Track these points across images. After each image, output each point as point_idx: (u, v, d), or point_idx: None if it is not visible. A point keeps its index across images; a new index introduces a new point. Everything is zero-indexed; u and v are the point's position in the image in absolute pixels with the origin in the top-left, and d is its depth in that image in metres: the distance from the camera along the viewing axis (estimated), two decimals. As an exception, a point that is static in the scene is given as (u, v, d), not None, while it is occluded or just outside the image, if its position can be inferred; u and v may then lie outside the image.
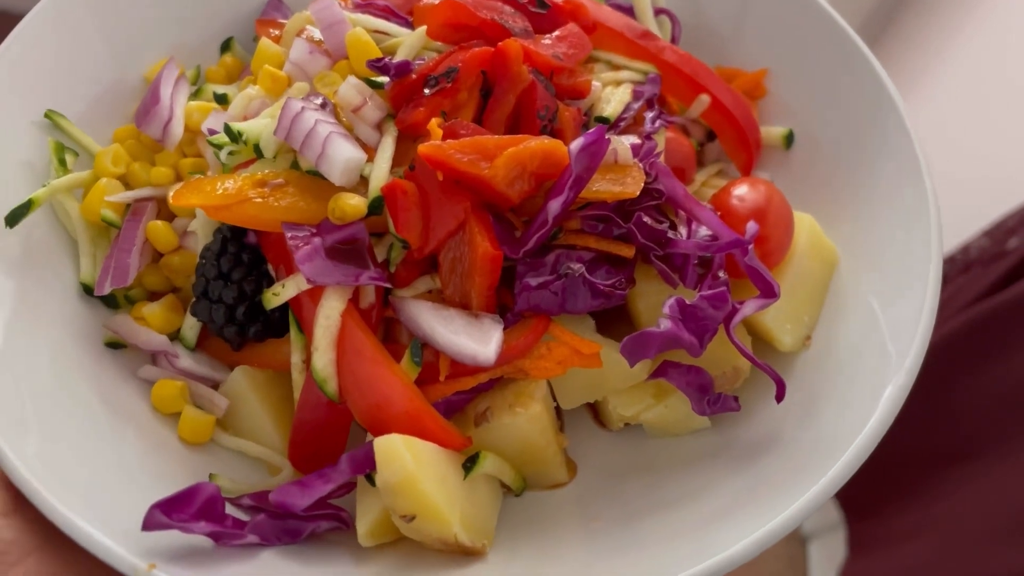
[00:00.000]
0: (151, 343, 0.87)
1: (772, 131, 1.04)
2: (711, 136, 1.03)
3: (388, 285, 0.79)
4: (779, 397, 0.80)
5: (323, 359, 0.77)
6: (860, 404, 0.79)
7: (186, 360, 0.87)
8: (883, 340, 0.84)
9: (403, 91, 0.85)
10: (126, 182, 0.94)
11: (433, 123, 0.78)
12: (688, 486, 0.82)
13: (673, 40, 1.07)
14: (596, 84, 0.93)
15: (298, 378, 0.83)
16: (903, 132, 0.93)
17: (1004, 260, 1.41)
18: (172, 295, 0.91)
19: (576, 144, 0.78)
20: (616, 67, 0.99)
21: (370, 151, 0.83)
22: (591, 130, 0.78)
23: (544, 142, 0.79)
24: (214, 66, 1.06)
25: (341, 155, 0.78)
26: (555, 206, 0.78)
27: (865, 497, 1.35)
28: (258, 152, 0.83)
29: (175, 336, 0.90)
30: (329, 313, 0.77)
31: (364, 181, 0.82)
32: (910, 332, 0.82)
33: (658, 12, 1.07)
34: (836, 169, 0.99)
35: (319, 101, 0.85)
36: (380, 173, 0.80)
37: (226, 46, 1.09)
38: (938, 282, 0.85)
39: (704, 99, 0.98)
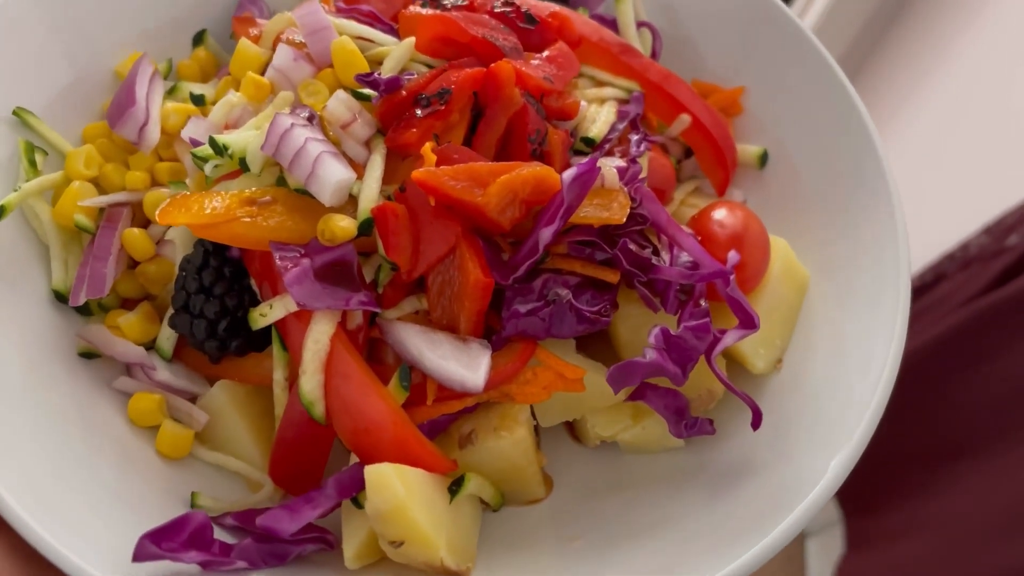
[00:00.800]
0: (127, 355, 0.85)
1: (747, 149, 1.05)
2: (688, 153, 1.05)
3: (377, 310, 0.79)
4: (755, 425, 0.82)
5: (311, 382, 0.77)
6: (832, 430, 0.82)
7: (163, 373, 0.85)
8: (853, 365, 0.87)
9: (392, 108, 0.84)
10: (98, 184, 0.91)
11: (427, 148, 0.77)
12: (664, 507, 0.85)
13: (653, 53, 1.07)
14: (582, 103, 0.93)
15: (280, 395, 0.83)
16: (875, 159, 0.95)
17: (1003, 257, 1.43)
18: (147, 304, 0.89)
19: (569, 174, 0.78)
20: (600, 83, 0.99)
21: (358, 168, 0.83)
22: (583, 161, 0.79)
23: (537, 170, 0.79)
24: (186, 60, 1.03)
25: (332, 176, 0.77)
26: (546, 235, 0.78)
27: (863, 493, 1.37)
28: (243, 166, 0.82)
29: (151, 346, 0.88)
30: (318, 337, 0.77)
31: (352, 200, 0.81)
32: (880, 358, 0.84)
33: (639, 25, 1.07)
34: (808, 191, 1.02)
35: (306, 115, 0.84)
36: (370, 193, 0.80)
37: (199, 39, 1.06)
38: (906, 308, 0.87)
39: (685, 119, 1.00)
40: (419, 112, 0.81)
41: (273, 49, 0.95)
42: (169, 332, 0.87)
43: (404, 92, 0.84)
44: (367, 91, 0.85)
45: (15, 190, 0.85)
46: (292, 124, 0.79)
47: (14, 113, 0.89)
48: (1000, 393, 1.27)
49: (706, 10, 1.10)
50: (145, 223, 0.91)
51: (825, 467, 0.79)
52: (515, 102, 0.82)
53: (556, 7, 0.99)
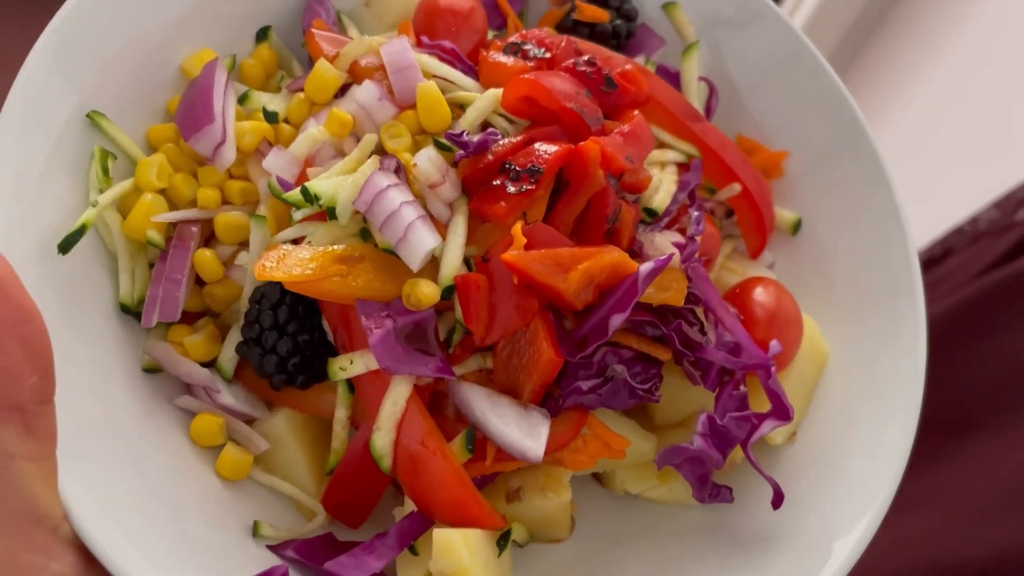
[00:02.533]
0: (192, 376, 0.88)
1: (783, 214, 1.11)
2: (729, 213, 1.10)
3: (452, 377, 0.83)
4: (776, 504, 0.90)
5: (384, 439, 0.81)
6: (842, 508, 0.91)
7: (227, 397, 0.88)
8: (864, 443, 0.96)
9: (478, 172, 0.86)
10: (167, 195, 0.91)
11: (517, 229, 0.80)
12: (679, 565, 0.93)
13: (709, 110, 1.11)
14: (648, 171, 0.96)
15: (340, 432, 0.87)
16: (904, 251, 1.02)
17: (1013, 231, 1.44)
18: (211, 323, 0.91)
19: (646, 268, 0.83)
20: (662, 144, 1.02)
21: (440, 227, 0.85)
22: (661, 258, 0.83)
23: (615, 257, 0.84)
24: (250, 60, 1.02)
25: (423, 245, 0.80)
26: (616, 321, 0.83)
27: None
28: (331, 214, 0.83)
29: (212, 363, 0.91)
30: (396, 400, 0.81)
31: (433, 262, 0.84)
32: (892, 441, 0.93)
33: (698, 79, 1.10)
34: (834, 263, 1.08)
35: (393, 166, 0.85)
36: (453, 260, 0.83)
37: (263, 35, 1.04)
38: (920, 392, 0.96)
39: (735, 187, 1.04)
40: (510, 187, 0.83)
41: (350, 74, 0.95)
42: (232, 354, 0.89)
43: (491, 156, 0.86)
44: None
45: (92, 204, 0.85)
46: (388, 186, 0.81)
47: (88, 116, 0.88)
48: (1008, 368, 1.30)
49: (757, 67, 1.13)
50: (211, 239, 0.92)
51: (828, 553, 0.88)
52: (598, 184, 0.85)
53: (629, 64, 1.01)
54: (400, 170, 0.86)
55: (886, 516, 0.89)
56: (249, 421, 0.91)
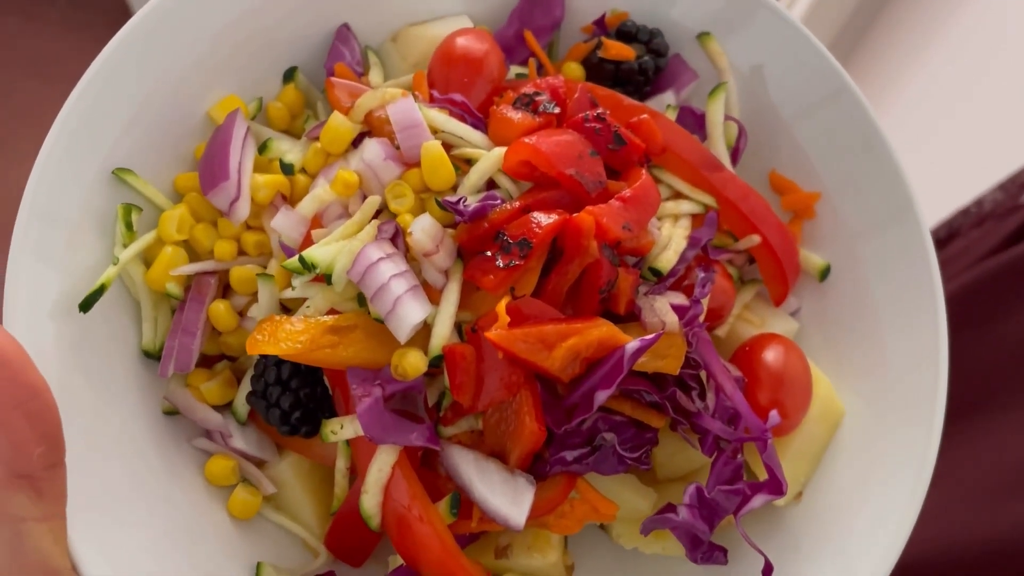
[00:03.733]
0: (207, 422, 0.94)
1: (810, 259, 1.07)
2: (752, 259, 1.07)
3: (437, 448, 0.86)
4: (765, 575, 0.90)
5: (372, 501, 0.85)
6: (842, 572, 0.91)
7: (238, 441, 0.94)
8: (874, 509, 0.94)
9: (473, 237, 0.87)
10: (188, 245, 0.96)
11: (501, 308, 0.81)
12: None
13: (737, 151, 1.07)
14: (655, 231, 0.95)
15: (341, 480, 0.92)
16: (932, 311, 0.98)
17: (1018, 213, 1.42)
18: (227, 368, 0.97)
19: (633, 346, 0.83)
20: (678, 195, 1.00)
21: (433, 293, 0.87)
22: (649, 337, 0.83)
23: (603, 332, 0.84)
24: (275, 102, 1.05)
25: (411, 319, 0.82)
26: (601, 397, 0.84)
27: None
28: (328, 280, 0.86)
29: (228, 405, 0.96)
30: (382, 467, 0.84)
31: (426, 327, 0.86)
32: (901, 509, 0.91)
33: (726, 119, 1.07)
34: (862, 314, 1.05)
35: (391, 232, 0.87)
36: (442, 331, 0.85)
37: (289, 75, 1.07)
38: (931, 467, 0.93)
39: (754, 239, 1.01)
40: (500, 261, 0.84)
41: (366, 124, 0.97)
42: (244, 400, 0.94)
43: (487, 224, 0.87)
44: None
45: (114, 262, 0.90)
46: (378, 259, 0.83)
47: (114, 173, 0.93)
48: (1013, 350, 1.29)
49: (795, 104, 1.09)
50: (227, 288, 0.97)
51: None
52: (592, 255, 0.85)
53: (645, 112, 0.99)
54: (398, 235, 0.88)
55: None
56: (260, 463, 0.96)
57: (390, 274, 0.83)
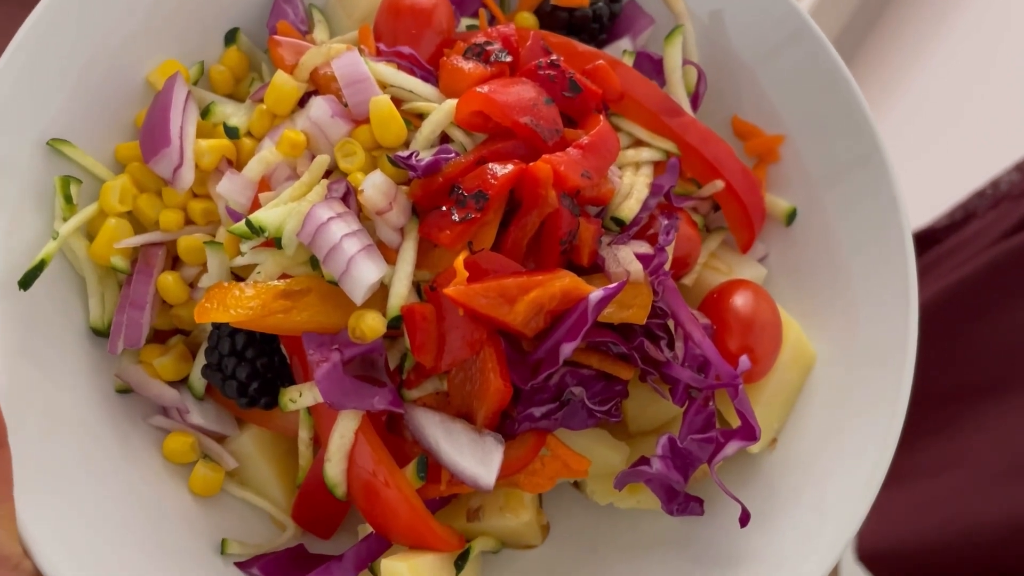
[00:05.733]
0: (162, 398, 0.90)
1: (776, 204, 1.05)
2: (716, 206, 1.05)
3: (401, 411, 0.83)
4: (743, 523, 0.88)
5: (336, 469, 0.82)
6: (817, 524, 0.89)
7: (196, 416, 0.91)
8: (849, 450, 0.92)
9: (428, 192, 0.84)
10: (133, 218, 0.92)
11: (459, 263, 0.79)
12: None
13: (697, 96, 1.05)
14: (616, 179, 0.92)
15: (305, 451, 0.89)
16: (900, 251, 0.96)
17: None
18: (181, 342, 0.93)
19: (596, 296, 0.81)
20: (638, 143, 0.98)
21: (389, 253, 0.84)
22: (612, 286, 0.81)
23: (566, 283, 0.81)
24: (218, 65, 1.01)
25: (365, 278, 0.79)
26: (567, 350, 0.81)
27: None
28: (278, 244, 0.83)
29: (184, 380, 0.93)
30: (344, 432, 0.82)
31: (383, 288, 0.83)
32: (877, 449, 0.90)
33: (684, 63, 1.04)
34: (829, 256, 1.03)
35: (342, 190, 0.84)
36: (400, 290, 0.82)
37: (231, 37, 1.03)
38: (903, 409, 0.92)
39: (718, 184, 0.99)
40: (455, 215, 0.81)
41: (312, 82, 0.94)
42: (200, 374, 0.91)
43: (441, 178, 0.84)
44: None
45: (53, 236, 0.87)
46: (328, 219, 0.80)
47: (49, 144, 0.89)
48: None
49: (756, 49, 1.06)
50: (177, 260, 0.93)
51: (798, 572, 0.86)
52: (551, 205, 0.83)
53: (601, 58, 0.96)
54: (350, 194, 0.85)
55: (904, 482, 0.86)
56: (220, 438, 0.93)
57: (341, 233, 0.80)
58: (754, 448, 0.95)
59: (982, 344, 1.31)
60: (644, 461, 0.87)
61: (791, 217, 1.05)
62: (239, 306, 0.79)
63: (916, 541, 1.30)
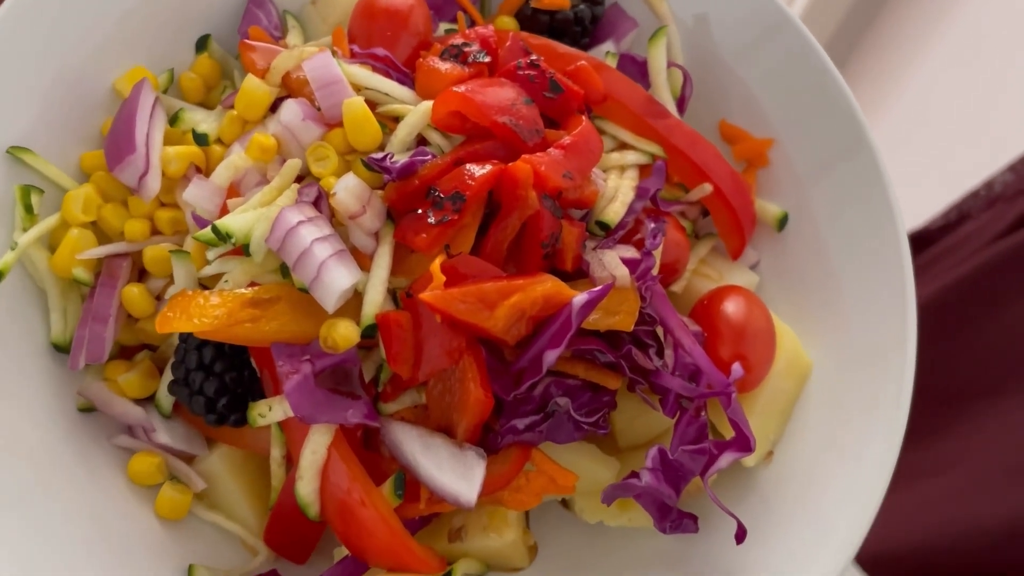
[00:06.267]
0: (127, 416, 0.86)
1: (767, 209, 1.02)
2: (706, 212, 1.01)
3: (376, 424, 0.79)
4: (739, 539, 0.84)
5: (308, 488, 0.78)
6: (816, 540, 0.85)
7: (163, 435, 0.86)
8: (846, 464, 0.88)
9: (403, 195, 0.81)
10: (98, 228, 0.88)
11: (436, 267, 0.75)
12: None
13: (683, 99, 1.02)
14: (599, 182, 0.89)
15: (277, 471, 0.85)
16: (895, 249, 0.93)
17: None
18: (148, 358, 0.89)
19: (580, 300, 0.77)
20: (623, 145, 0.95)
21: (363, 259, 0.80)
22: (596, 289, 0.77)
23: (548, 288, 0.78)
24: (189, 72, 0.97)
25: (337, 285, 0.75)
26: (551, 357, 0.77)
27: None
28: (246, 251, 0.79)
29: (151, 398, 0.89)
30: (316, 448, 0.77)
31: (357, 296, 0.79)
32: (878, 459, 0.86)
33: (669, 65, 1.01)
34: (823, 261, 0.99)
35: (313, 195, 0.81)
36: (375, 297, 0.78)
37: (202, 44, 1.00)
38: (906, 409, 0.88)
39: (706, 188, 0.96)
40: (431, 217, 0.77)
41: (284, 87, 0.90)
42: (167, 390, 0.87)
43: (416, 180, 0.80)
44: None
45: (12, 247, 0.83)
46: (298, 223, 0.76)
47: (9, 152, 0.85)
48: (1021, 334, 1.27)
49: (741, 50, 1.03)
50: (144, 272, 0.89)
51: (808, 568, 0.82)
52: (531, 207, 0.79)
53: (583, 59, 0.93)
54: (322, 198, 0.81)
55: (907, 482, 0.83)
56: (189, 458, 0.89)
57: (312, 238, 0.76)
58: (749, 461, 0.91)
59: (979, 345, 1.28)
60: (634, 475, 0.82)
61: (782, 222, 1.02)
62: (203, 315, 0.75)
63: (915, 543, 1.27)
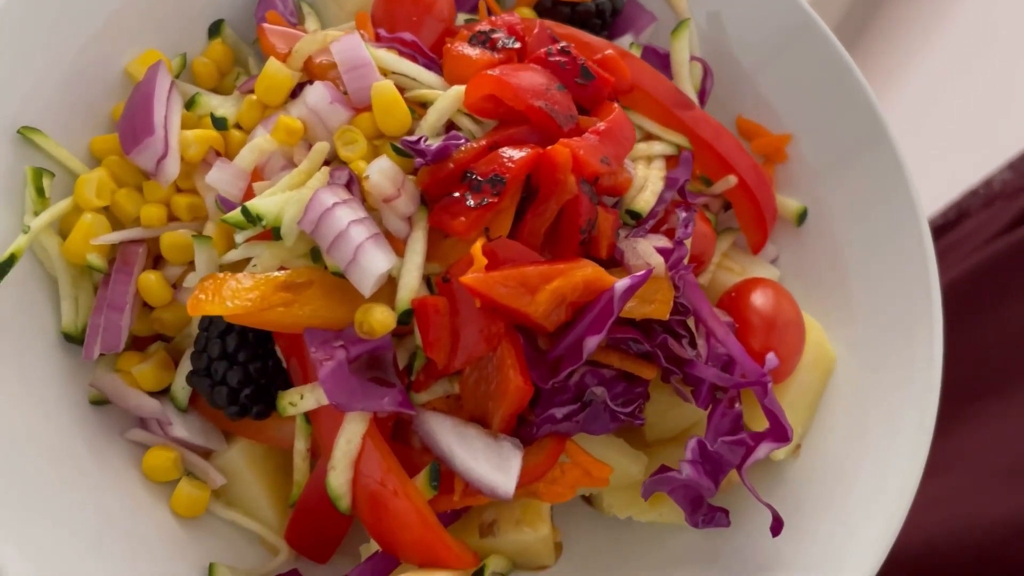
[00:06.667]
0: (141, 409, 0.82)
1: (787, 204, 1.02)
2: (727, 206, 1.01)
3: (412, 412, 0.76)
4: (775, 532, 0.83)
5: (340, 479, 0.75)
6: (850, 532, 0.84)
7: (179, 429, 0.83)
8: (876, 454, 0.87)
9: (438, 180, 0.79)
10: (110, 212, 0.85)
11: (477, 249, 0.73)
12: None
13: (703, 91, 1.01)
14: (631, 170, 0.88)
15: (301, 464, 0.82)
16: (919, 243, 0.93)
17: None
18: (163, 349, 0.85)
19: (622, 285, 0.75)
20: (649, 135, 0.94)
21: (397, 243, 0.78)
22: (639, 274, 0.75)
23: (589, 273, 0.76)
24: (202, 57, 0.95)
25: (375, 268, 0.73)
26: (591, 344, 0.76)
27: None
28: (276, 235, 0.76)
29: (166, 391, 0.85)
30: (351, 437, 0.74)
31: (391, 282, 0.77)
32: (906, 451, 0.85)
33: (691, 59, 1.01)
34: (845, 256, 0.99)
35: (344, 179, 0.78)
36: (411, 282, 0.76)
37: (216, 29, 0.97)
38: (935, 398, 0.87)
39: (731, 180, 0.95)
40: (470, 200, 0.75)
41: (306, 72, 0.88)
42: (184, 383, 0.83)
43: (452, 164, 0.78)
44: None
45: (24, 230, 0.79)
46: (334, 204, 0.74)
47: (20, 132, 0.82)
48: (1021, 333, 1.27)
49: (762, 41, 1.03)
50: (159, 259, 0.86)
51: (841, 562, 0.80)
52: (570, 191, 0.78)
53: (610, 49, 0.92)
54: (353, 182, 0.79)
55: None
56: (206, 453, 0.85)
57: (348, 220, 0.74)
58: (778, 454, 0.90)
59: (980, 342, 1.28)
60: (669, 468, 0.81)
61: (802, 217, 1.02)
62: (236, 297, 0.72)
63: (916, 540, 1.26)
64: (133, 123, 0.84)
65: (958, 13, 1.98)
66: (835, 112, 1.00)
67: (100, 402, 0.84)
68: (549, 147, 0.77)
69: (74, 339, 0.83)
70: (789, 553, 0.86)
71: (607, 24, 1.02)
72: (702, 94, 1.01)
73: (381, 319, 0.74)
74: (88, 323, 0.82)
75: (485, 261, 0.73)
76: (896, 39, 2.10)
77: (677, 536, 0.91)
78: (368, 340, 0.75)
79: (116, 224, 0.86)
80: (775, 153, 1.03)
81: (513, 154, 0.77)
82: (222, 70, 0.96)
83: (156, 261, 0.86)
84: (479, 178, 0.76)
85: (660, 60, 1.00)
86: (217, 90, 0.95)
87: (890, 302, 0.94)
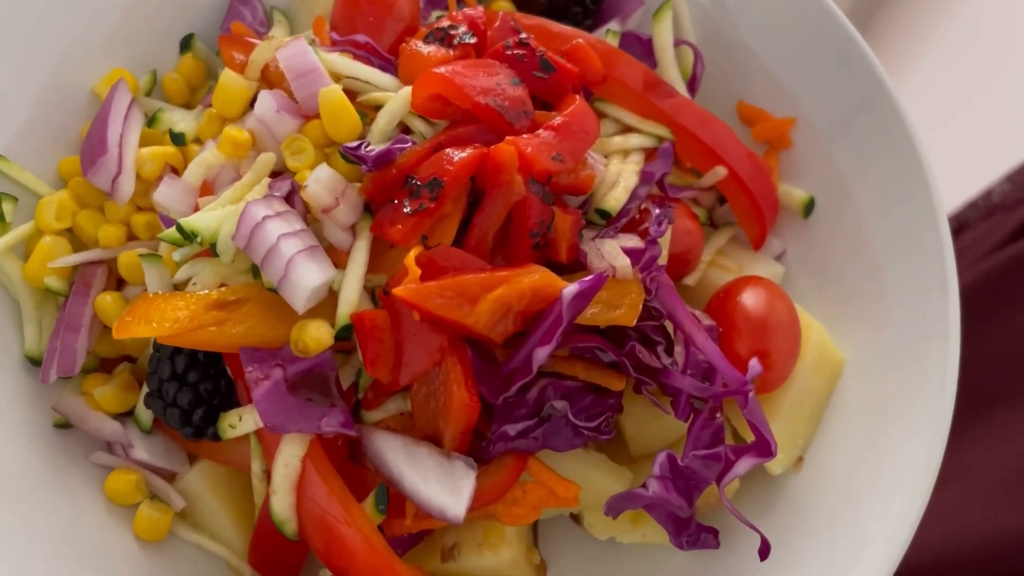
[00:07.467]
0: (103, 432, 0.82)
1: (791, 194, 0.94)
2: (723, 199, 0.94)
3: (352, 433, 0.73)
4: (762, 555, 0.76)
5: (282, 503, 0.72)
6: (855, 556, 0.76)
7: (141, 452, 0.81)
8: (886, 471, 0.80)
9: (381, 186, 0.75)
10: (75, 238, 0.85)
11: (410, 260, 0.69)
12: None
13: (694, 78, 0.94)
14: (598, 167, 0.82)
15: (258, 486, 0.79)
16: (935, 230, 0.84)
17: None
18: (127, 370, 0.84)
19: (570, 292, 0.70)
20: (627, 128, 0.88)
21: (339, 256, 0.75)
22: (589, 278, 0.70)
23: (535, 280, 0.71)
24: (172, 73, 0.94)
25: (306, 282, 0.70)
26: (540, 356, 0.71)
27: None
28: (214, 251, 0.74)
29: (130, 412, 0.84)
30: (288, 460, 0.71)
31: (333, 295, 0.74)
32: (920, 464, 0.77)
33: (678, 43, 0.94)
34: (856, 250, 0.91)
35: (285, 190, 0.75)
36: (351, 296, 0.72)
37: (186, 44, 0.96)
38: (949, 410, 0.79)
39: (720, 171, 0.88)
40: (407, 207, 0.71)
41: (264, 81, 0.86)
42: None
43: (394, 170, 0.74)
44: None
45: (-19, 254, 0.79)
46: (264, 217, 0.71)
47: (-20, 158, 0.82)
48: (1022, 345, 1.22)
49: (759, 25, 0.96)
50: (120, 281, 0.85)
51: None
52: (516, 192, 0.72)
53: (579, 38, 0.87)
54: (294, 193, 0.76)
55: None
56: (170, 476, 0.84)
57: (279, 233, 0.71)
58: (777, 468, 0.83)
59: (982, 355, 1.22)
60: (643, 484, 0.75)
61: (809, 208, 0.93)
62: (163, 318, 0.70)
63: (919, 555, 1.20)
64: (91, 143, 0.84)
65: (952, 27, 1.88)
66: (846, 95, 0.91)
67: (63, 425, 0.83)
68: (493, 147, 0.73)
69: (37, 362, 0.83)
70: (789, 573, 0.79)
71: (590, 12, 0.96)
72: (693, 80, 0.94)
73: (316, 336, 0.70)
74: (47, 347, 0.81)
75: (419, 271, 0.68)
76: (888, 53, 1.99)
77: (667, 557, 0.85)
78: (305, 358, 0.72)
79: (80, 246, 0.85)
80: (779, 139, 0.95)
81: (455, 155, 0.73)
82: (193, 85, 0.95)
83: (118, 283, 0.85)
84: (418, 183, 0.72)
85: (643, 47, 0.94)
86: (189, 105, 0.94)
87: (906, 298, 0.86)
